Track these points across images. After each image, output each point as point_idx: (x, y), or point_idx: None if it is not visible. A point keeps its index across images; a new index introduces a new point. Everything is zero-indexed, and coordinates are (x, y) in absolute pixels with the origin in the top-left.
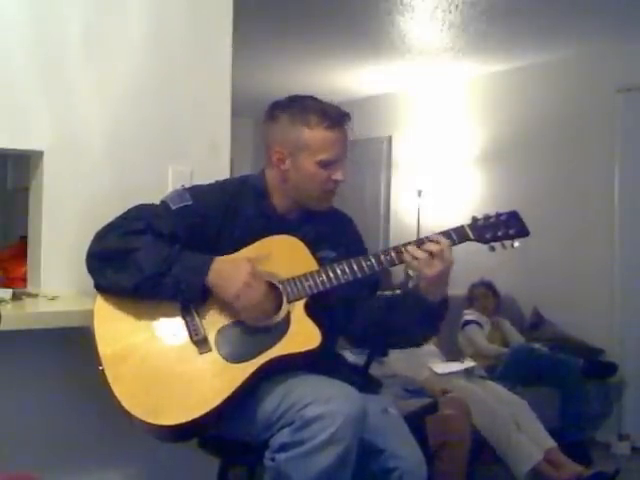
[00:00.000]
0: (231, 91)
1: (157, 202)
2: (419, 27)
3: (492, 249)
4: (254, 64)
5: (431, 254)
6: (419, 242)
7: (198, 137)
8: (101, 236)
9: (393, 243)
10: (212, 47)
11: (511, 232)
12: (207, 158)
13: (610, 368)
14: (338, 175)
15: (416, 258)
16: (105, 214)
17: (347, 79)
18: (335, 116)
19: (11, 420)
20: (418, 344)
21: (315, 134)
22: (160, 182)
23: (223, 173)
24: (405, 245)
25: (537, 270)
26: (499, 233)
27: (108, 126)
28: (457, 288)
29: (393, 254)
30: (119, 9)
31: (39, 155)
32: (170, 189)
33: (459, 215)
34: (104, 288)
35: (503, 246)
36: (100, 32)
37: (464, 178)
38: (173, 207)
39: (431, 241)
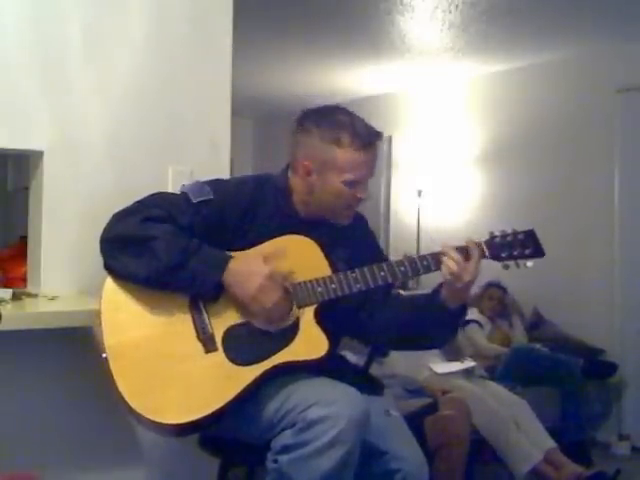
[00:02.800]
0: (231, 91)
1: None
2: (419, 27)
3: (506, 267)
4: (254, 64)
5: (468, 259)
6: (435, 254)
7: (198, 137)
8: (119, 220)
9: (393, 243)
10: (212, 47)
11: (527, 252)
12: (207, 158)
13: (610, 368)
14: (362, 194)
15: (451, 262)
16: (105, 214)
17: (347, 79)
18: (366, 136)
19: (11, 420)
20: (434, 347)
21: (345, 155)
22: (160, 182)
23: (223, 173)
24: (421, 256)
25: (537, 270)
26: (515, 252)
27: (108, 126)
28: None
29: (407, 264)
30: (119, 9)
31: (39, 155)
32: (170, 189)
33: (459, 215)
34: (115, 272)
35: (517, 265)
36: (100, 32)
37: (464, 178)
38: (194, 200)
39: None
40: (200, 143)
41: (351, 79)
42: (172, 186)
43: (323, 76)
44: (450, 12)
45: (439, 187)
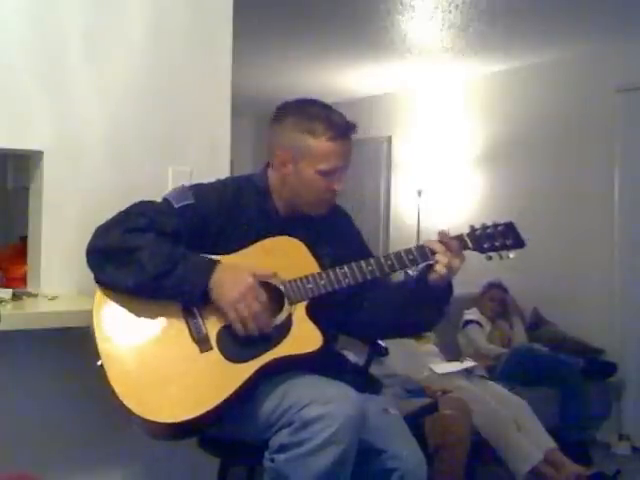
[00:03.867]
0: (231, 91)
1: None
2: (419, 27)
3: (489, 258)
4: (254, 64)
5: (450, 250)
6: (420, 247)
7: (198, 137)
8: (103, 231)
9: (393, 243)
10: (212, 47)
11: (508, 243)
12: (207, 158)
13: (610, 368)
14: (337, 185)
15: (437, 251)
16: (105, 214)
17: (347, 79)
18: (340, 127)
19: (11, 420)
20: (428, 330)
21: (318, 144)
22: (160, 182)
23: (223, 173)
24: (407, 249)
25: (537, 270)
26: (496, 243)
27: (108, 126)
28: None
29: (393, 258)
30: (119, 9)
31: (39, 155)
32: (170, 189)
33: (459, 215)
34: (104, 284)
35: (500, 256)
36: (100, 32)
37: (464, 178)
38: (176, 205)
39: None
40: (200, 143)
41: (351, 79)
42: (172, 186)
43: (323, 76)
44: (450, 12)
45: (439, 187)
